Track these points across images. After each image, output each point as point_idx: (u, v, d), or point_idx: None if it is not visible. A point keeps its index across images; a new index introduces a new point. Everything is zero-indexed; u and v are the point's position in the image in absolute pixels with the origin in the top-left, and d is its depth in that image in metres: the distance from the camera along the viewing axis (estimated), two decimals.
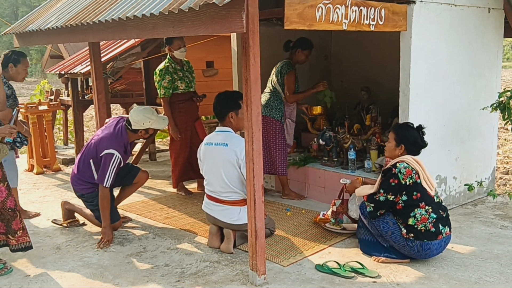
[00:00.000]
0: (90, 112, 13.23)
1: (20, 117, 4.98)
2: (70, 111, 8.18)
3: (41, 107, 6.62)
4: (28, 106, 6.35)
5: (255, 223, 3.06)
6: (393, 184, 3.34)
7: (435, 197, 3.42)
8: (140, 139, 4.48)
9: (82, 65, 6.99)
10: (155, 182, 5.89)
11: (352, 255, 3.57)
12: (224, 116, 3.74)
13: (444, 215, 3.41)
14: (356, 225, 3.80)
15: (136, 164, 6.33)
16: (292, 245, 3.78)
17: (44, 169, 6.54)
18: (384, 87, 5.53)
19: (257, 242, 3.08)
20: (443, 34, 4.27)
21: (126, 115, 4.17)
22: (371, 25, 3.69)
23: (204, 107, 5.55)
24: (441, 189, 4.45)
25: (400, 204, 3.37)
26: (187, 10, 2.76)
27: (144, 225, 4.39)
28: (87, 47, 5.81)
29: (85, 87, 7.63)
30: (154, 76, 5.06)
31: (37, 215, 4.71)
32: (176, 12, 2.81)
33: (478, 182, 4.74)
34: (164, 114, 4.99)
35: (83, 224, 4.37)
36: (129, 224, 4.42)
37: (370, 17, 3.66)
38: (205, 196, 3.87)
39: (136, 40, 6.51)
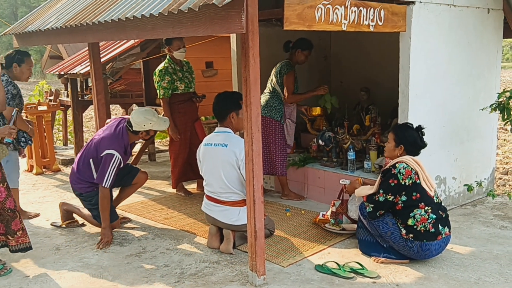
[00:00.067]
0: (90, 113, 13.24)
1: (25, 117, 5.00)
2: (69, 111, 8.18)
3: (40, 108, 6.62)
4: (27, 106, 6.35)
5: (254, 223, 3.06)
6: (392, 184, 3.35)
7: (434, 198, 3.42)
8: (140, 140, 4.49)
9: (81, 66, 6.99)
10: (155, 183, 5.89)
11: (351, 256, 3.57)
12: (224, 116, 3.74)
13: (443, 216, 3.41)
14: (355, 225, 3.80)
15: (136, 164, 6.33)
16: (291, 246, 3.78)
17: (44, 170, 6.53)
18: (384, 88, 5.53)
19: (256, 242, 3.08)
20: (443, 34, 4.27)
21: (127, 116, 4.17)
22: (371, 26, 3.69)
23: (203, 108, 5.55)
24: (440, 190, 4.45)
25: (400, 205, 3.37)
26: (186, 11, 2.76)
27: (143, 225, 4.39)
28: (87, 48, 5.81)
29: (84, 87, 7.63)
30: (154, 77, 5.06)
31: (37, 215, 4.71)
32: (176, 12, 2.81)
33: (477, 183, 4.74)
34: (163, 115, 5.00)
35: (82, 224, 4.37)
36: (128, 224, 4.42)
37: (369, 18, 3.66)
38: (204, 196, 3.87)
39: (136, 40, 6.51)
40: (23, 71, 4.42)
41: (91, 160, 4.01)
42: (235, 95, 3.83)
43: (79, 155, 4.18)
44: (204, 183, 3.85)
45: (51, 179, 6.22)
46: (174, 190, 5.37)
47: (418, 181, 3.36)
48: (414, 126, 3.56)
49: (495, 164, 5.24)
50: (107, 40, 6.41)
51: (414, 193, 3.34)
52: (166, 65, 5.00)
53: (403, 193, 3.35)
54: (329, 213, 4.08)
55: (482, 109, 4.46)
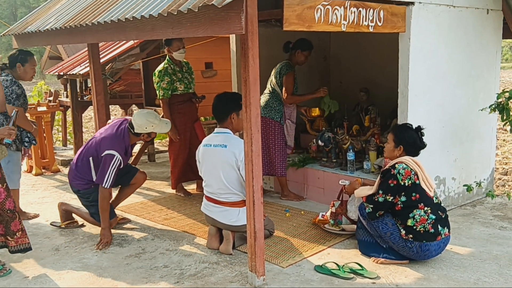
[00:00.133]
0: (89, 113, 13.24)
1: (29, 117, 5.01)
2: (69, 112, 8.18)
3: (40, 108, 6.62)
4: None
5: (254, 224, 3.06)
6: (392, 185, 3.35)
7: (434, 198, 3.42)
8: (140, 140, 4.50)
9: (81, 66, 6.99)
10: (154, 183, 5.89)
11: (351, 256, 3.58)
12: (225, 117, 3.73)
13: (443, 216, 3.41)
14: (355, 226, 3.80)
15: (135, 165, 6.33)
16: (291, 246, 3.78)
17: (43, 170, 6.53)
18: (383, 88, 5.53)
19: (256, 243, 3.08)
20: (442, 35, 4.27)
21: (129, 117, 4.18)
22: (370, 26, 3.70)
23: (203, 108, 5.55)
24: (440, 190, 4.45)
25: (399, 205, 3.37)
26: (186, 12, 2.76)
27: (143, 226, 4.39)
28: (86, 48, 5.81)
29: (84, 88, 7.63)
30: (153, 77, 5.05)
31: (36, 216, 4.70)
32: (175, 13, 2.81)
33: (477, 183, 4.75)
34: (163, 115, 5.00)
35: (82, 225, 4.36)
36: (128, 225, 4.42)
37: (369, 18, 3.66)
38: (204, 197, 3.87)
39: (135, 41, 6.51)
40: (27, 71, 4.44)
41: (90, 158, 4.02)
42: (235, 96, 3.83)
43: (79, 152, 4.19)
44: (203, 184, 3.85)
45: (50, 179, 6.22)
46: (174, 191, 5.37)
47: (417, 182, 3.36)
48: (414, 127, 3.56)
49: (495, 164, 5.24)
50: (106, 41, 6.41)
51: (414, 194, 3.34)
52: (165, 65, 5.00)
53: (403, 193, 3.35)
54: (328, 213, 4.08)
55: (482, 110, 4.47)
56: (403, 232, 3.34)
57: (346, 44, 6.32)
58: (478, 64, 4.70)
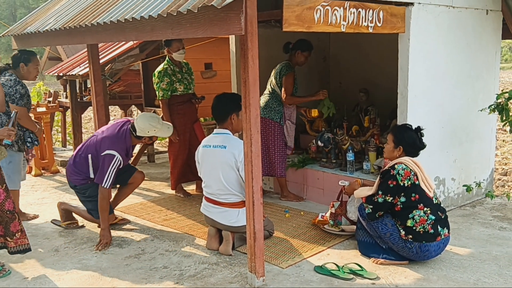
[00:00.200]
0: (89, 114, 13.24)
1: (32, 117, 5.02)
2: (68, 113, 8.18)
3: (39, 109, 6.62)
4: None
5: (253, 225, 3.06)
6: (391, 185, 3.35)
7: (433, 199, 3.42)
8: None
9: (80, 67, 6.99)
10: (154, 184, 5.89)
11: (351, 257, 3.57)
12: (225, 117, 3.73)
13: (442, 217, 3.41)
14: (354, 226, 3.80)
15: (135, 165, 6.32)
16: (290, 247, 3.78)
17: (42, 171, 6.53)
18: (383, 89, 5.54)
19: (255, 244, 3.08)
20: (441, 36, 4.27)
21: (132, 118, 4.20)
22: (370, 27, 3.70)
23: (203, 109, 5.55)
24: (439, 191, 4.45)
25: (399, 206, 3.37)
26: (185, 13, 2.76)
27: (142, 227, 4.39)
28: (86, 49, 5.80)
29: (83, 89, 7.63)
30: (153, 78, 5.05)
31: (36, 217, 4.70)
32: (175, 14, 2.81)
33: (476, 184, 4.75)
34: (162, 116, 5.00)
35: (82, 226, 4.36)
36: (127, 226, 4.41)
37: (368, 19, 3.66)
38: (203, 198, 3.87)
39: (135, 42, 6.51)
40: (30, 71, 4.46)
41: (90, 155, 4.03)
42: (235, 97, 3.83)
43: (78, 148, 4.20)
44: (203, 185, 3.85)
45: (50, 180, 6.22)
46: (173, 192, 5.37)
47: (417, 182, 3.36)
48: (413, 127, 3.56)
49: (494, 165, 5.25)
50: (106, 42, 6.42)
51: (413, 194, 3.34)
52: (165, 66, 5.00)
53: (402, 194, 3.35)
54: (328, 214, 4.08)
55: (481, 110, 4.47)
56: (403, 232, 3.34)
57: (346, 45, 6.32)
58: (478, 65, 4.71)
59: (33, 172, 6.42)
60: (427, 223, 3.31)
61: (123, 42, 6.73)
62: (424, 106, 4.21)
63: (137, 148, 6.91)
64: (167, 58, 5.07)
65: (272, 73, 4.99)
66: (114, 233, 4.14)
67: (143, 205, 5.02)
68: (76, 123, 7.36)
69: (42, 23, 4.69)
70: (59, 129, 9.84)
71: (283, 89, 4.82)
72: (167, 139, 5.56)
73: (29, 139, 4.43)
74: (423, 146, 3.54)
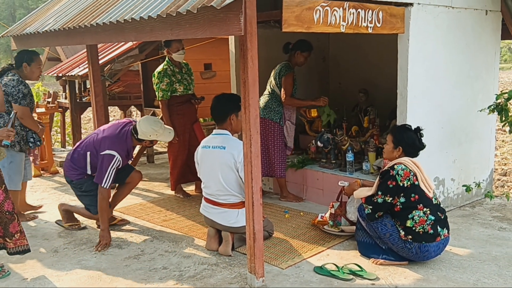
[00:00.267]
0: (88, 115, 13.24)
1: (36, 117, 5.04)
2: (67, 113, 8.18)
3: (38, 110, 6.61)
4: None
5: (253, 225, 3.05)
6: (391, 186, 3.35)
7: (433, 199, 3.42)
8: None
9: (79, 68, 6.99)
10: (153, 185, 5.88)
11: (350, 257, 3.57)
12: (224, 118, 3.73)
13: (442, 217, 3.41)
14: (354, 227, 3.80)
15: (135, 166, 6.32)
16: (290, 248, 3.78)
17: (42, 172, 6.52)
18: (382, 89, 5.54)
19: (255, 244, 3.08)
20: (441, 36, 4.28)
21: (133, 119, 4.20)
22: (369, 28, 3.70)
23: (202, 109, 5.55)
24: (439, 191, 4.45)
25: (398, 206, 3.37)
26: (185, 13, 2.76)
27: (142, 227, 4.38)
28: (85, 50, 5.80)
29: (82, 89, 7.64)
30: (153, 79, 5.05)
31: (35, 217, 4.70)
32: (174, 15, 2.81)
33: (476, 184, 4.75)
34: (162, 116, 4.99)
35: (84, 227, 4.35)
36: (127, 226, 4.41)
37: (367, 20, 3.66)
38: (203, 199, 3.87)
39: (134, 42, 6.51)
40: (33, 70, 4.48)
41: (88, 153, 4.03)
42: (234, 97, 3.84)
43: (76, 145, 4.21)
44: (202, 186, 3.85)
45: (49, 181, 6.21)
46: (173, 192, 5.36)
47: (416, 183, 3.36)
48: (413, 128, 3.56)
49: (494, 165, 5.25)
50: (105, 42, 6.42)
51: (413, 195, 3.34)
52: (165, 67, 5.00)
53: (402, 194, 3.35)
54: (327, 214, 4.08)
55: (481, 111, 4.47)
56: (402, 233, 3.34)
57: (345, 45, 6.32)
58: (477, 65, 4.71)
59: (32, 173, 6.41)
60: (427, 224, 3.31)
61: (123, 43, 6.73)
62: (423, 106, 4.21)
63: (137, 148, 6.92)
64: (166, 58, 5.06)
65: (272, 74, 4.99)
66: (113, 233, 4.13)
67: (143, 206, 5.02)
68: (76, 124, 7.37)
69: (42, 23, 4.69)
70: (58, 129, 9.84)
71: (282, 89, 4.82)
72: None
73: (31, 139, 4.44)
74: (422, 146, 3.54)
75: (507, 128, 4.39)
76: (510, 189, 6.38)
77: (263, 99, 4.95)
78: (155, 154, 7.45)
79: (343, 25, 3.50)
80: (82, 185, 4.11)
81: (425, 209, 3.33)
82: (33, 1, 34.34)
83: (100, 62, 5.95)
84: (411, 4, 3.96)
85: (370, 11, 3.67)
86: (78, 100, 7.43)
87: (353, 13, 3.55)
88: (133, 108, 9.42)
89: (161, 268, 3.50)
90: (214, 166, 3.67)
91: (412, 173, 3.35)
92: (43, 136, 4.83)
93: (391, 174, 3.36)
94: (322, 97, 4.99)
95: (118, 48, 6.90)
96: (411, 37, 4.00)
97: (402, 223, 3.35)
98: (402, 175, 3.33)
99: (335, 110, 5.37)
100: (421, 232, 3.30)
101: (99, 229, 4.01)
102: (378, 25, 3.76)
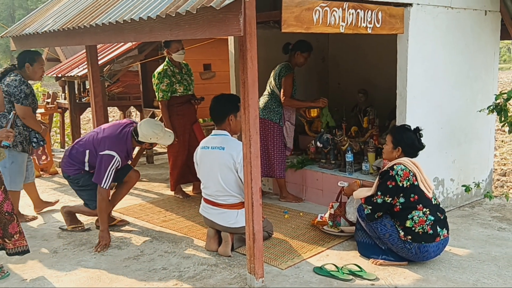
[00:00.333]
0: (87, 115, 13.22)
1: (39, 117, 5.04)
2: (67, 114, 8.18)
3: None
4: None
5: (253, 226, 3.05)
6: (390, 186, 3.35)
7: (432, 199, 3.42)
8: None
9: (79, 68, 6.99)
10: (153, 185, 5.88)
11: (350, 258, 3.57)
12: (223, 119, 3.73)
13: (441, 217, 3.41)
14: (353, 227, 3.80)
15: (134, 166, 6.31)
16: (290, 248, 3.78)
17: (41, 172, 6.52)
18: (381, 90, 5.54)
19: (255, 245, 3.08)
20: (440, 36, 4.28)
21: (134, 120, 4.20)
22: (368, 28, 3.70)
23: (202, 110, 5.56)
24: (438, 191, 4.45)
25: (398, 207, 3.37)
26: (184, 14, 2.76)
27: (141, 228, 4.38)
28: (84, 50, 5.80)
29: (82, 90, 7.63)
30: (153, 79, 5.05)
31: (34, 218, 4.70)
32: (173, 15, 2.81)
33: (475, 184, 4.75)
34: (161, 117, 4.99)
35: (88, 229, 4.34)
36: (126, 227, 4.41)
37: (367, 20, 3.67)
38: (202, 199, 3.87)
39: (133, 43, 6.50)
40: (36, 71, 4.50)
41: (87, 151, 4.03)
42: (233, 98, 3.84)
43: (76, 141, 4.22)
44: (201, 186, 3.85)
45: (48, 182, 6.21)
46: (172, 193, 5.36)
47: (416, 183, 3.36)
48: (412, 128, 3.56)
49: (493, 165, 5.25)
50: (104, 43, 6.41)
51: (412, 195, 3.34)
52: (165, 67, 5.00)
53: (401, 195, 3.35)
54: (327, 215, 4.08)
55: (480, 111, 4.47)
56: (402, 233, 3.34)
57: (345, 46, 6.33)
58: (476, 65, 4.71)
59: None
60: (426, 224, 3.31)
61: (122, 43, 6.73)
62: (423, 106, 4.21)
63: (136, 148, 6.91)
64: (166, 59, 5.06)
65: (272, 74, 4.99)
66: (113, 234, 4.13)
67: (142, 207, 5.02)
68: (75, 124, 7.36)
69: (41, 24, 4.69)
70: (58, 130, 9.83)
71: (282, 90, 4.82)
72: None
73: (34, 139, 4.45)
74: (422, 146, 3.54)
75: (507, 128, 4.39)
76: (509, 189, 6.39)
77: (263, 99, 4.95)
78: (154, 155, 7.45)
79: (342, 26, 3.50)
80: (79, 180, 4.11)
81: (424, 210, 3.33)
82: (33, 1, 34.33)
83: (100, 62, 5.95)
84: (410, 5, 3.97)
85: (370, 12, 3.67)
86: (77, 100, 7.43)
87: (353, 14, 3.55)
88: (132, 109, 9.42)
89: (161, 268, 3.50)
90: (213, 167, 3.67)
91: (411, 174, 3.35)
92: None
93: (390, 174, 3.36)
94: (321, 98, 4.99)
95: (117, 48, 6.90)
96: (410, 37, 4.00)
97: (402, 224, 3.35)
98: (402, 175, 3.33)
99: (335, 111, 5.38)
100: (420, 233, 3.30)
101: (99, 230, 4.00)
102: (378, 26, 3.76)
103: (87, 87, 7.18)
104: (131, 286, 3.25)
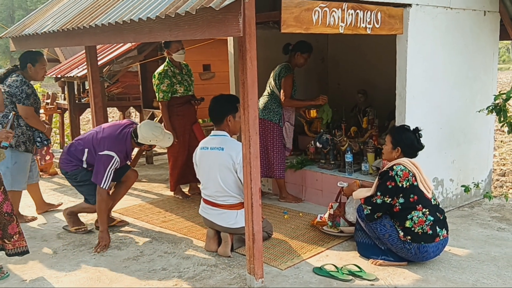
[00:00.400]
0: (87, 116, 13.22)
1: (43, 117, 5.05)
2: (66, 114, 8.17)
3: None
4: None
5: (252, 226, 3.05)
6: (390, 186, 3.35)
7: (432, 200, 3.43)
8: None
9: (78, 69, 6.99)
10: (152, 186, 5.88)
11: (349, 258, 3.57)
12: (221, 119, 3.74)
13: (441, 218, 3.41)
14: (353, 228, 3.80)
15: (134, 167, 6.31)
16: (289, 248, 3.78)
17: (41, 173, 6.50)
18: (381, 90, 5.54)
19: (254, 245, 3.08)
20: (439, 37, 4.28)
21: (134, 121, 4.20)
22: (368, 29, 3.70)
23: (202, 110, 5.56)
24: (438, 192, 4.46)
25: (397, 207, 3.37)
26: (183, 14, 2.76)
27: (141, 229, 4.38)
28: (84, 51, 5.80)
29: (81, 90, 7.63)
30: (153, 80, 5.05)
31: (34, 219, 4.70)
32: (173, 16, 2.81)
33: (475, 184, 4.75)
34: (161, 117, 4.99)
35: (91, 231, 4.33)
36: (126, 228, 4.41)
37: (366, 21, 3.67)
38: (202, 200, 3.87)
39: (133, 43, 6.51)
40: (38, 71, 4.50)
41: (86, 150, 4.04)
42: (232, 98, 3.84)
43: (75, 139, 4.23)
44: (201, 187, 3.85)
45: (48, 182, 6.20)
46: (172, 193, 5.36)
47: (415, 183, 3.36)
48: (411, 128, 3.57)
49: (492, 165, 5.25)
50: (104, 43, 6.42)
51: (412, 195, 3.34)
52: (165, 68, 5.00)
53: (401, 195, 3.35)
54: (326, 215, 4.08)
55: (479, 111, 4.48)
56: (401, 233, 3.34)
57: (344, 46, 6.33)
58: (475, 66, 4.72)
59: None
60: (426, 224, 3.31)
61: (121, 44, 6.73)
62: (422, 107, 4.22)
63: (136, 149, 6.91)
64: (167, 59, 5.06)
65: (271, 75, 4.99)
66: (112, 235, 4.13)
67: (142, 207, 5.02)
68: (74, 125, 7.36)
69: (40, 25, 4.69)
70: (57, 131, 9.81)
71: (281, 90, 4.82)
72: None
73: (38, 139, 4.47)
74: (421, 147, 3.55)
75: (506, 129, 4.39)
76: (508, 190, 6.39)
77: (262, 100, 4.95)
78: (154, 155, 7.45)
79: (341, 26, 3.51)
80: (77, 175, 4.12)
81: (424, 210, 3.34)
82: (32, 2, 34.32)
83: (99, 63, 5.95)
84: (410, 5, 3.97)
85: (369, 12, 3.68)
86: (77, 101, 7.42)
87: (352, 14, 3.55)
88: (132, 109, 9.41)
89: (160, 269, 3.50)
90: (212, 168, 3.67)
91: (411, 174, 3.35)
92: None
93: (390, 174, 3.37)
94: (321, 95, 4.99)
95: (117, 49, 6.90)
96: (409, 38, 4.00)
97: (401, 224, 3.35)
98: (401, 175, 3.34)
99: (334, 111, 5.38)
100: (420, 233, 3.30)
101: (98, 231, 4.00)
102: (377, 26, 3.76)
103: (87, 87, 7.17)
104: (130, 287, 3.25)
